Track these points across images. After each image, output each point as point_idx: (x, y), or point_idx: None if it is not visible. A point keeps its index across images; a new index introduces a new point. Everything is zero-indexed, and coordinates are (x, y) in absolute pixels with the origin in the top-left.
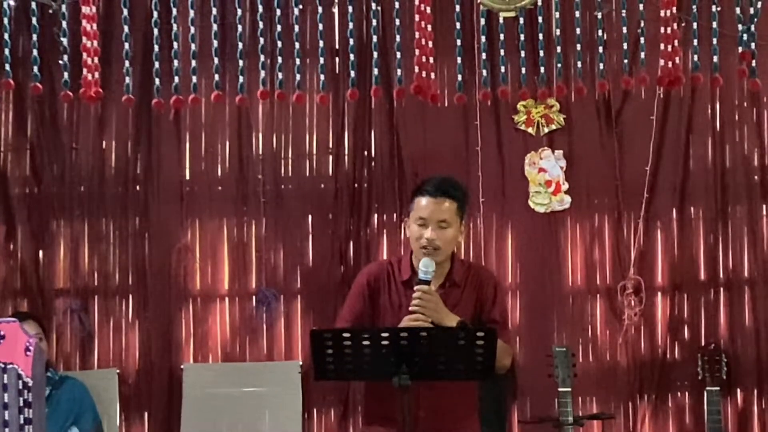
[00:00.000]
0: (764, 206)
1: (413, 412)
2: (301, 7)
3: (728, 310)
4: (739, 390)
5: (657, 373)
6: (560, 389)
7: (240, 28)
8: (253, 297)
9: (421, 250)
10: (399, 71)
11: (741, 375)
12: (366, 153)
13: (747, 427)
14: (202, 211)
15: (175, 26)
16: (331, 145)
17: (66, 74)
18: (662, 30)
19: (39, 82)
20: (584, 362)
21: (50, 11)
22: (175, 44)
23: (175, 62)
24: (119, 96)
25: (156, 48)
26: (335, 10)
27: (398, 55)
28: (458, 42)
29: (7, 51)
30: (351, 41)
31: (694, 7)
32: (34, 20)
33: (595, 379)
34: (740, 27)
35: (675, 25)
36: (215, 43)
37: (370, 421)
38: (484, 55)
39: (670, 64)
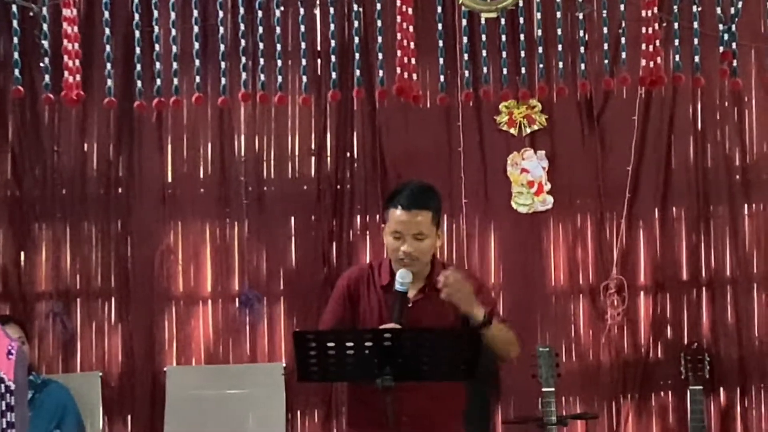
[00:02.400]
0: (746, 206)
1: (397, 415)
2: (282, 8)
3: (711, 309)
4: (722, 389)
5: (640, 373)
6: (544, 389)
7: (221, 29)
8: (236, 299)
9: (399, 263)
10: (381, 72)
11: (724, 374)
12: (348, 154)
13: (730, 426)
14: (185, 213)
15: (156, 28)
16: (313, 147)
17: (47, 77)
18: (643, 30)
19: (20, 85)
20: (567, 362)
21: (31, 14)
22: (157, 46)
23: (157, 64)
24: (101, 98)
25: (137, 50)
26: (317, 11)
27: (380, 56)
28: (440, 43)
29: None
30: (333, 43)
31: (675, 7)
32: (14, 23)
33: (579, 379)
34: (721, 27)
35: (656, 26)
36: (197, 45)
37: (354, 424)
38: (465, 56)
39: (651, 64)
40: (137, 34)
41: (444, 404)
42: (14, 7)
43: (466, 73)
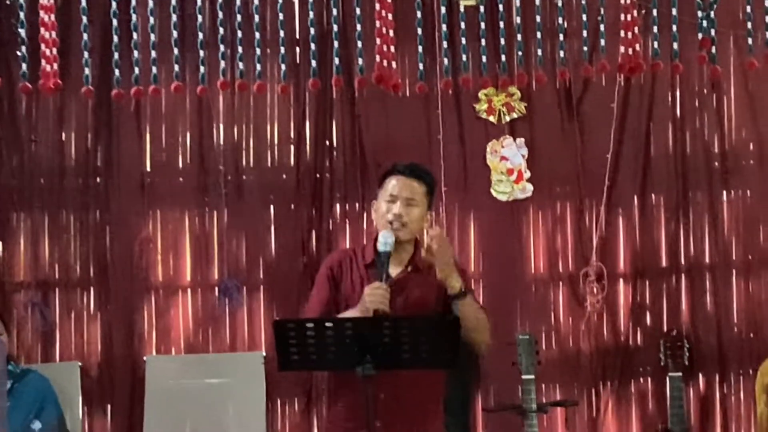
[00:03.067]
0: (725, 192)
1: (376, 403)
2: None
3: (690, 296)
4: (701, 375)
5: (620, 360)
6: (524, 377)
7: (200, 18)
8: (216, 288)
9: (388, 226)
10: (360, 61)
11: (703, 361)
12: (327, 143)
13: (709, 412)
14: (164, 203)
15: (134, 16)
16: (292, 135)
17: (24, 66)
18: (622, 17)
19: None
20: (547, 350)
21: (7, 2)
22: (135, 35)
23: (135, 53)
24: (78, 87)
25: (115, 39)
26: None
27: (359, 44)
28: (419, 31)
29: None
30: (312, 31)
31: None
32: None
33: (559, 367)
34: (700, 14)
35: (635, 12)
36: (175, 33)
37: (335, 420)
38: (445, 44)
39: (630, 51)
40: (115, 22)
41: (423, 391)
42: None
43: (446, 60)
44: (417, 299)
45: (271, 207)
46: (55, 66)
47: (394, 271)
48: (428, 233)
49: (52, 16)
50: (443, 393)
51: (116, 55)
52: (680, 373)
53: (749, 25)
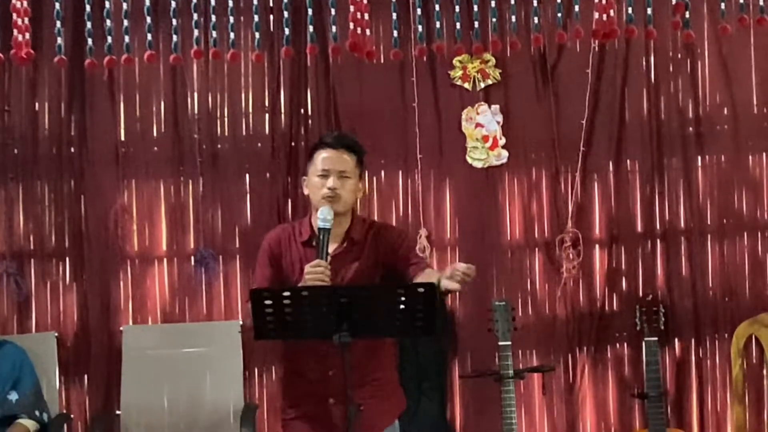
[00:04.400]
0: (699, 157)
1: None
2: None
3: (665, 261)
4: (676, 340)
5: (596, 325)
6: (500, 343)
7: None
8: (192, 257)
9: (323, 201)
10: (334, 28)
11: (678, 325)
12: (302, 111)
13: (685, 376)
14: (138, 172)
15: None
16: (267, 104)
17: None
18: None
19: None
20: (524, 316)
21: None
22: (107, 3)
23: (108, 22)
24: (51, 57)
25: (87, 8)
26: None
27: (333, 11)
28: None
29: None
30: None
31: None
32: None
33: (535, 333)
34: None
35: None
36: (147, 1)
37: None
38: (419, 11)
39: (604, 17)
40: None
41: (374, 362)
42: None
43: (420, 27)
44: (357, 272)
45: (247, 176)
46: (27, 36)
47: (331, 246)
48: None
49: None
50: (396, 361)
51: (89, 24)
52: (656, 338)
53: None
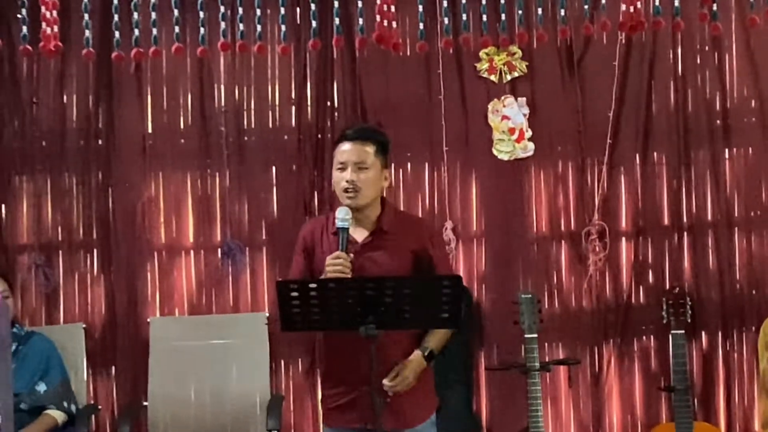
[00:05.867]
0: (726, 150)
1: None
2: None
3: (692, 253)
4: (703, 333)
5: (622, 318)
6: (526, 335)
7: None
8: (218, 249)
9: (344, 194)
10: (360, 20)
11: (705, 318)
12: (329, 103)
13: (712, 369)
14: (165, 165)
15: None
16: (293, 96)
17: (25, 28)
18: None
19: None
20: (550, 308)
21: None
22: None
23: (135, 15)
24: (79, 49)
25: (115, 0)
26: None
27: (359, 4)
28: None
29: None
30: None
31: None
32: None
33: (561, 325)
34: None
35: None
36: None
37: (329, 378)
38: (445, 3)
39: (631, 9)
40: None
41: (405, 352)
42: None
43: (446, 20)
44: (386, 261)
45: (273, 168)
46: (56, 28)
47: (361, 235)
48: (386, 386)
49: None
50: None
51: (116, 17)
52: (683, 331)
53: None
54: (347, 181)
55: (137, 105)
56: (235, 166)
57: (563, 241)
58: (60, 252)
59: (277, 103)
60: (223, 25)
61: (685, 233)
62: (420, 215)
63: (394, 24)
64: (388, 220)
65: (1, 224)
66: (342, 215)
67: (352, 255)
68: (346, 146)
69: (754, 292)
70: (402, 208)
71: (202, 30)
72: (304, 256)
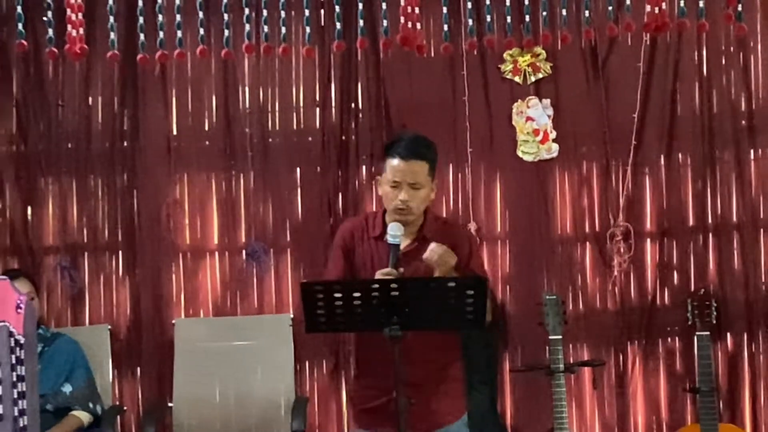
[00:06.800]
0: (752, 151)
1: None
2: None
3: (717, 254)
4: (729, 334)
5: (647, 319)
6: (551, 337)
7: None
8: (243, 251)
9: (396, 212)
10: (385, 22)
11: (731, 319)
12: (353, 105)
13: (737, 371)
14: (190, 166)
15: None
16: (317, 98)
17: (50, 31)
18: None
19: (23, 39)
20: (574, 309)
21: None
22: None
23: (160, 17)
24: (104, 52)
25: (140, 3)
26: None
27: (383, 5)
28: None
29: None
30: None
31: None
32: None
33: (585, 326)
34: None
35: None
36: None
37: (362, 373)
38: (469, 5)
39: (656, 10)
40: None
41: (440, 356)
42: None
43: (470, 21)
44: (426, 270)
45: (297, 170)
46: (81, 31)
47: (403, 243)
48: (429, 248)
49: None
50: (460, 353)
51: (141, 20)
52: (708, 332)
53: None
54: (401, 201)
55: (162, 107)
56: (259, 168)
57: (588, 243)
58: (85, 253)
59: (301, 104)
60: (247, 27)
61: (710, 234)
62: (458, 221)
63: (418, 25)
64: (430, 229)
65: (27, 226)
66: (394, 231)
67: (402, 270)
68: (400, 164)
69: None
70: None
71: (226, 32)
72: (343, 256)
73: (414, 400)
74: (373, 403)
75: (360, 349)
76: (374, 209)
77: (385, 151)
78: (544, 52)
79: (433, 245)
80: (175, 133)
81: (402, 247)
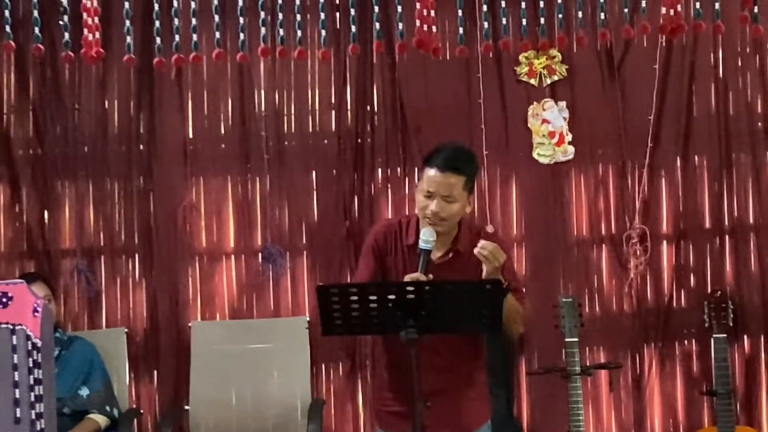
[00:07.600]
0: None
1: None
2: None
3: (734, 257)
4: (746, 336)
5: (663, 322)
6: (567, 339)
7: None
8: (259, 254)
9: (426, 221)
10: (400, 25)
11: (747, 321)
12: (368, 108)
13: (754, 373)
14: (206, 170)
15: None
16: (333, 101)
17: (67, 35)
18: None
19: (40, 43)
20: (590, 312)
21: None
22: (175, 2)
23: (176, 21)
24: (120, 56)
25: (156, 7)
26: None
27: (399, 8)
28: None
29: (7, 13)
30: None
31: None
32: None
33: (602, 329)
34: None
35: None
36: (215, 0)
37: (390, 366)
38: (485, 7)
39: (671, 12)
40: None
41: (464, 360)
42: None
43: (486, 24)
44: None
45: (313, 172)
46: (97, 35)
47: (436, 254)
48: (480, 245)
49: None
50: (484, 359)
51: (157, 23)
52: (725, 335)
53: None
54: (432, 212)
55: (178, 110)
56: (275, 171)
57: (604, 245)
58: (102, 257)
59: (317, 107)
60: (263, 30)
61: (727, 236)
62: (497, 231)
63: (433, 28)
64: (464, 241)
65: (43, 229)
66: (426, 236)
67: (431, 276)
68: (436, 175)
69: None
70: None
71: (242, 35)
72: (374, 258)
73: (430, 404)
74: (399, 407)
75: (388, 353)
76: (389, 212)
77: (425, 160)
78: (559, 54)
79: (482, 242)
80: (191, 136)
81: (434, 257)
